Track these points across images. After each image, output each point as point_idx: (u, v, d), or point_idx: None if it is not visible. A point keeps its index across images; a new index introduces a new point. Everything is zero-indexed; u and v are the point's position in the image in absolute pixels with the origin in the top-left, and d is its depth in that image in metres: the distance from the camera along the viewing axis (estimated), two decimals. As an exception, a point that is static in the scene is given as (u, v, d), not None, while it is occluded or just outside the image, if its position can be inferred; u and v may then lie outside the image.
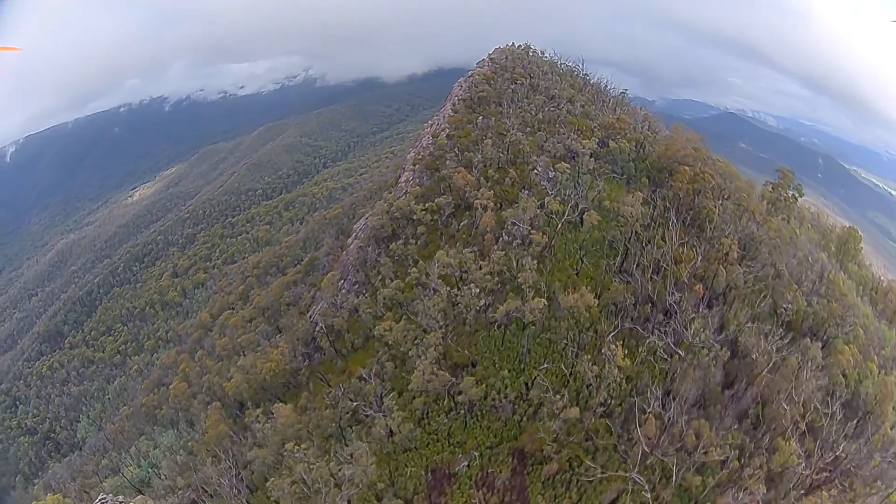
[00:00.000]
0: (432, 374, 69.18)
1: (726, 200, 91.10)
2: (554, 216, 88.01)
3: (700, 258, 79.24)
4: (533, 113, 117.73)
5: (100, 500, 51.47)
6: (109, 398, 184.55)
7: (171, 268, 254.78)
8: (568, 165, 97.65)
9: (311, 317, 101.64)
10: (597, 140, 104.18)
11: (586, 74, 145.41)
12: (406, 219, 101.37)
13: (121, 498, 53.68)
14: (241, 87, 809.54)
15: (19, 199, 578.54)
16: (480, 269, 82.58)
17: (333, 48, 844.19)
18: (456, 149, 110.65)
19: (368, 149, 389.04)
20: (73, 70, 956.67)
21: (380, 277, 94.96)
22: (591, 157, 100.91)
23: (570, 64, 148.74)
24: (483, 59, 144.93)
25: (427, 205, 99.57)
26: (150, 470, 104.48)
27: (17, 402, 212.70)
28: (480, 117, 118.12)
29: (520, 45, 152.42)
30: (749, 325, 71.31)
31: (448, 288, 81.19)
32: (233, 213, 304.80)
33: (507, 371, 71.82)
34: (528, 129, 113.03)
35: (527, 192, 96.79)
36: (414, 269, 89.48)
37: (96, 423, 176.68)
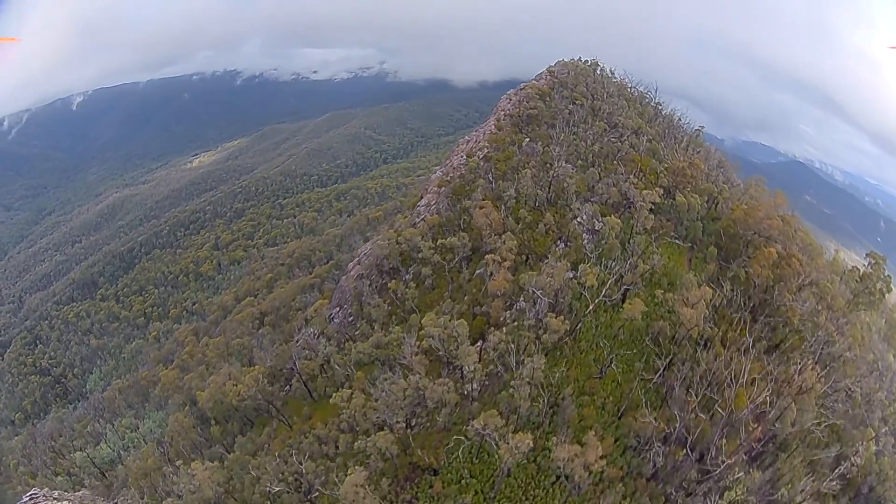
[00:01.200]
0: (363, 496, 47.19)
1: (806, 286, 72.03)
2: (586, 292, 66.29)
3: (770, 383, 57.27)
4: (589, 142, 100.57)
5: (29, 496, 44.33)
6: (125, 358, 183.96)
7: (213, 239, 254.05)
8: (619, 221, 77.44)
9: (296, 341, 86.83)
10: (661, 189, 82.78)
11: (658, 103, 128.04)
12: (413, 253, 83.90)
13: (56, 493, 46.55)
14: (314, 72, 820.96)
15: (81, 147, 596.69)
16: (474, 347, 62.60)
17: (409, 45, 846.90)
18: (490, 174, 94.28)
19: (431, 150, 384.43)
20: (151, 32, 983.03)
21: (368, 321, 79.54)
22: (650, 210, 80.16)
23: (641, 89, 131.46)
24: (541, 72, 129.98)
25: (439, 242, 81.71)
26: (121, 453, 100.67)
27: (38, 342, 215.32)
28: (526, 140, 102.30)
29: (586, 61, 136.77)
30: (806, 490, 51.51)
31: (426, 365, 63.41)
32: (285, 194, 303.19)
33: (473, 494, 51.57)
34: (580, 162, 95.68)
35: (561, 245, 78.69)
36: (398, 327, 72.86)
37: (106, 378, 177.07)
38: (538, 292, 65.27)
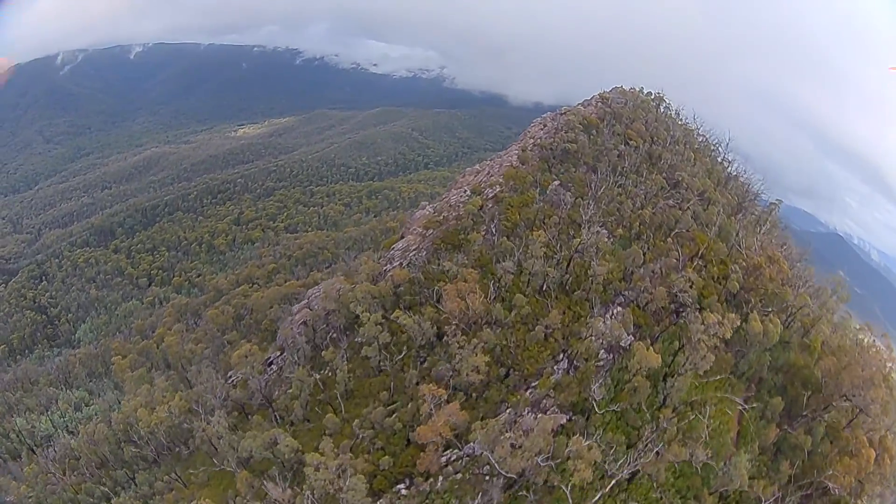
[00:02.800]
0: None
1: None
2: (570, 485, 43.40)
3: None
4: (638, 203, 77.33)
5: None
6: (117, 315, 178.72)
7: (236, 213, 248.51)
8: (658, 356, 51.49)
9: (228, 378, 72.62)
10: (736, 316, 56.69)
11: (728, 161, 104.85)
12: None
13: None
14: (374, 65, 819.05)
15: (132, 96, 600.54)
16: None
17: (470, 54, 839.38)
18: (494, 225, 70.66)
19: (474, 163, 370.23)
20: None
21: (289, 393, 62.99)
22: (702, 326, 53.87)
23: (710, 138, 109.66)
24: (591, 98, 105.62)
25: (394, 315, 59.82)
26: (58, 432, 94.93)
27: (44, 277, 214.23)
28: (555, 182, 78.83)
29: (648, 92, 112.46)
30: None
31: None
32: (319, 181, 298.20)
33: None
34: (621, 230, 72.37)
35: (563, 365, 54.73)
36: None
37: (95, 332, 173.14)
38: (495, 464, 44.14)
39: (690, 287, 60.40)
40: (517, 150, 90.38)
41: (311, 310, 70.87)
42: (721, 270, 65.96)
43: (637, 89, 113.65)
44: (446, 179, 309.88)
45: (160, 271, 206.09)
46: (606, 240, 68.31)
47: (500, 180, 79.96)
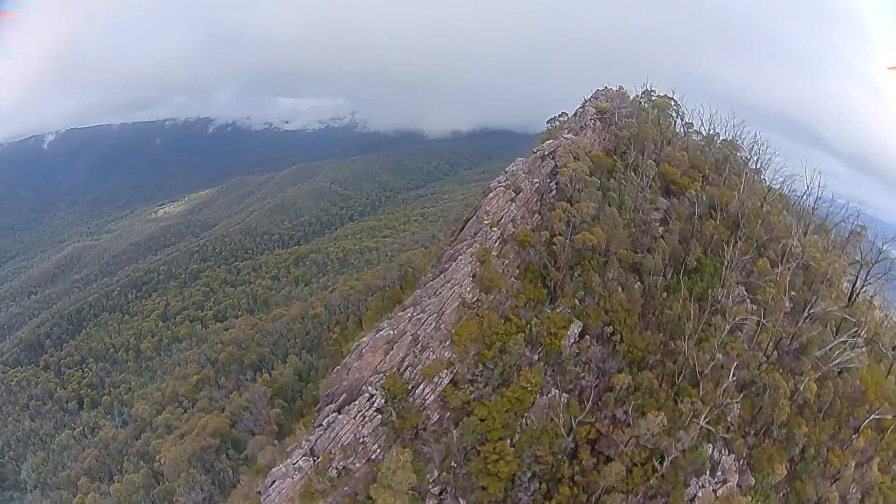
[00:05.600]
0: None
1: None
2: None
3: None
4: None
5: None
6: (54, 451, 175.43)
7: (162, 306, 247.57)
8: None
9: None
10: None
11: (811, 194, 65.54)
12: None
13: None
14: (286, 122, 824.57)
15: (51, 188, 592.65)
16: None
17: (380, 95, 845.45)
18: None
19: (399, 206, 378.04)
20: (127, 73, 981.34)
21: None
22: None
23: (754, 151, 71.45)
24: (584, 111, 72.15)
25: None
26: None
27: None
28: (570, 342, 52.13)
29: (646, 91, 78.38)
30: None
31: None
32: (244, 254, 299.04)
33: None
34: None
35: None
36: None
37: (38, 471, 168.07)
38: None
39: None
40: (478, 244, 55.03)
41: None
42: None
43: (623, 89, 79.07)
44: (375, 229, 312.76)
45: (89, 390, 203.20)
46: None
47: (448, 353, 50.53)
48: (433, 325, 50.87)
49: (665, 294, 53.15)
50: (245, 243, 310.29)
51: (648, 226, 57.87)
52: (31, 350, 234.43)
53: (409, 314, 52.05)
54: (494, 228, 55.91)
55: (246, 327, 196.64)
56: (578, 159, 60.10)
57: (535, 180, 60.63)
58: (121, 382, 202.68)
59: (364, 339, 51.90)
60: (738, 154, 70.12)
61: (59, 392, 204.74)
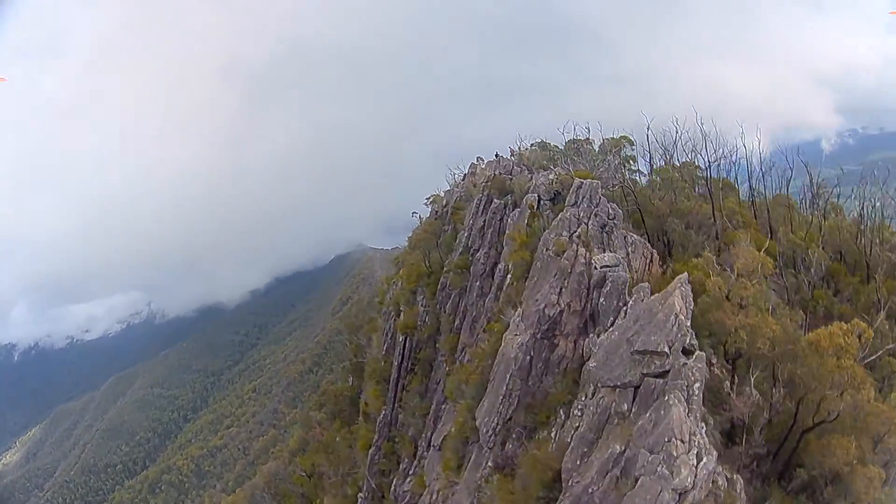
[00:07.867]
0: None
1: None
2: None
3: None
4: None
5: None
6: None
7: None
8: None
9: None
10: None
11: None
12: None
13: None
14: (87, 331, 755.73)
15: None
16: None
17: (168, 278, 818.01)
18: None
19: (227, 388, 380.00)
20: None
21: None
22: None
23: None
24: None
25: None
26: None
27: None
28: None
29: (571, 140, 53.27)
30: None
31: None
32: (95, 496, 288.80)
33: None
34: None
35: None
36: None
37: None
38: None
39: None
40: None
41: None
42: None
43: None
44: (215, 424, 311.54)
45: None
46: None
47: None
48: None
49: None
50: (92, 484, 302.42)
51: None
52: None
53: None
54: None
55: None
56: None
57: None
58: None
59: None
60: None
61: None
